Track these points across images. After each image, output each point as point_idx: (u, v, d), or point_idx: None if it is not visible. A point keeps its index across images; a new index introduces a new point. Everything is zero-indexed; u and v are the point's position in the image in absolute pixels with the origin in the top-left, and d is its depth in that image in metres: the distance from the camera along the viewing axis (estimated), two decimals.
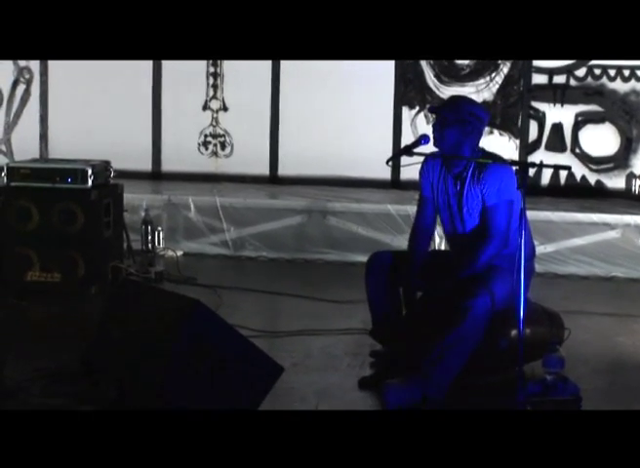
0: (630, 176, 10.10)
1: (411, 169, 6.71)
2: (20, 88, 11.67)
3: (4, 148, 11.68)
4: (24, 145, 11.52)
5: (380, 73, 10.72)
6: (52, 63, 11.48)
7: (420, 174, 6.39)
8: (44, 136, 11.66)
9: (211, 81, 11.19)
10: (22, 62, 11.53)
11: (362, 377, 6.26)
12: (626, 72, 10.12)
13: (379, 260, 6.43)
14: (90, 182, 8.41)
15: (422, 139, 6.19)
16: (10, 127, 11.71)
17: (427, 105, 10.53)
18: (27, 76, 11.62)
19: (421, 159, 6.33)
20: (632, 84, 10.16)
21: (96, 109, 11.29)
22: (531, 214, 5.99)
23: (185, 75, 11.21)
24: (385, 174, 10.00)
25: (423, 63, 10.69)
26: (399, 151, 6.87)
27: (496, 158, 6.22)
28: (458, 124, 6.04)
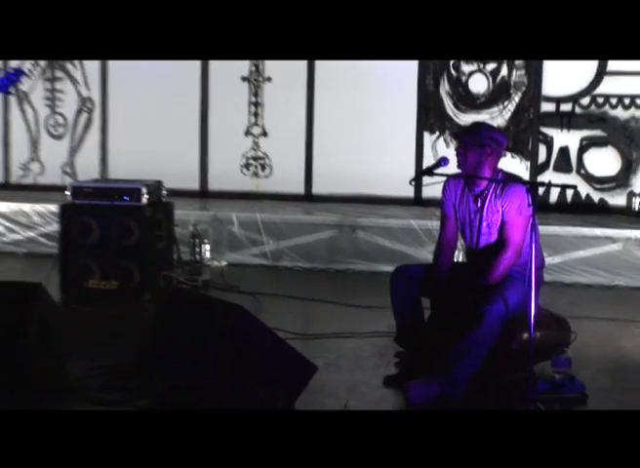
0: (631, 195, 10.03)
1: (432, 188, 6.58)
2: (83, 116, 11.71)
3: (69, 170, 11.69)
4: (87, 167, 11.51)
5: (404, 101, 10.71)
6: (111, 94, 11.53)
7: (443, 193, 6.32)
8: (104, 159, 11.69)
9: (252, 109, 11.16)
10: (85, 93, 11.57)
11: (387, 376, 6.24)
12: (627, 101, 10.06)
13: (403, 273, 6.38)
14: (144, 200, 8.44)
15: (442, 161, 6.16)
16: (74, 151, 11.74)
17: (446, 131, 10.53)
18: (89, 105, 11.65)
19: (441, 179, 6.26)
20: (632, 111, 10.08)
21: (150, 135, 11.28)
22: (540, 229, 5.93)
23: (230, 104, 11.24)
24: (409, 192, 9.93)
25: (443, 93, 10.65)
26: (421, 172, 6.89)
27: (514, 178, 6.20)
28: (478, 148, 6.03)
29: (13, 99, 11.62)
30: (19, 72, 7.29)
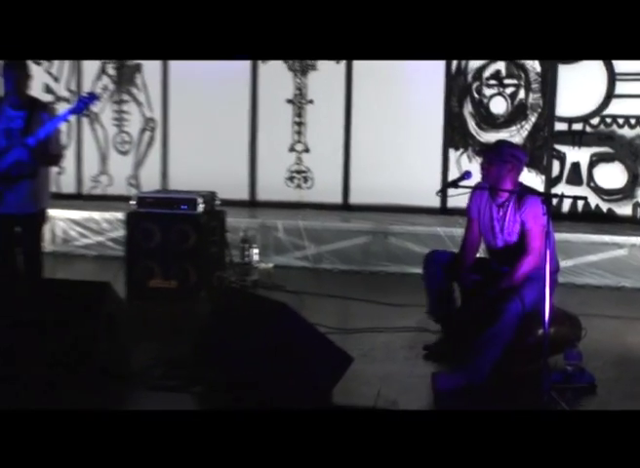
0: (636, 205, 9.98)
1: (456, 198, 6.73)
2: (147, 134, 11.76)
3: (134, 182, 11.73)
4: (149, 179, 11.58)
5: (432, 121, 10.67)
6: (171, 115, 11.59)
7: (470, 200, 6.38)
8: (165, 172, 11.71)
9: (296, 128, 11.15)
10: (148, 114, 11.63)
11: (426, 344, 6.57)
12: (633, 121, 9.97)
13: (435, 256, 6.58)
14: (200, 209, 8.46)
15: (465, 175, 6.25)
16: (138, 165, 11.80)
17: (469, 147, 10.51)
18: (152, 125, 11.71)
19: (464, 190, 6.31)
20: (638, 130, 10.01)
21: (205, 151, 11.31)
22: (554, 236, 5.86)
23: (276, 123, 11.24)
24: (435, 202, 9.91)
25: (466, 113, 10.61)
26: (446, 184, 7.08)
27: (532, 191, 6.26)
28: (500, 163, 6.08)
29: (85, 120, 11.70)
30: (91, 96, 7.35)
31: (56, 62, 11.81)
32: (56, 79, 11.85)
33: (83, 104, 7.31)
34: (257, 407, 5.42)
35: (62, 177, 11.69)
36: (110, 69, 11.69)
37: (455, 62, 10.51)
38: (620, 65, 9.91)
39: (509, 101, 10.45)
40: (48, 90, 11.66)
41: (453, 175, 10.03)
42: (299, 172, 11.19)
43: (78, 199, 11.62)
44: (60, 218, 10.46)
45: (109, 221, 10.45)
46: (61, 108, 10.31)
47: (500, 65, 10.41)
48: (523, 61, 10.28)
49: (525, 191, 6.11)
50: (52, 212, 8.29)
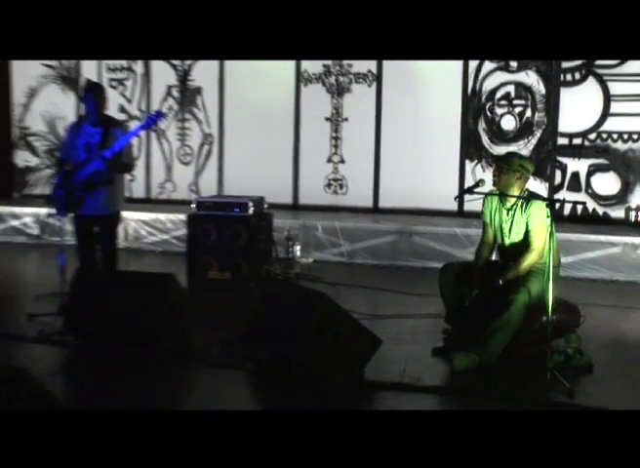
0: (628, 209, 9.86)
1: (471, 203, 6.66)
2: (205, 148, 11.77)
3: (194, 188, 11.76)
4: (208, 186, 11.62)
5: (450, 137, 10.63)
6: (227, 131, 11.64)
7: (483, 205, 6.35)
8: (220, 180, 11.74)
9: (333, 142, 11.16)
10: (207, 130, 11.69)
11: (435, 348, 6.27)
12: (625, 136, 9.90)
13: (448, 269, 6.40)
14: (251, 211, 8.50)
15: (479, 182, 6.19)
16: (198, 174, 11.83)
17: (483, 159, 10.46)
18: (210, 139, 11.75)
19: (478, 196, 6.26)
20: (629, 144, 9.92)
21: (255, 162, 11.31)
22: (556, 235, 5.82)
23: (316, 138, 11.24)
24: (453, 206, 9.75)
25: (480, 130, 10.57)
26: (463, 191, 6.86)
27: (536, 197, 6.21)
28: (510, 172, 6.03)
29: (153, 135, 11.74)
30: (159, 114, 7.38)
31: (129, 86, 11.92)
32: (129, 100, 11.94)
33: (152, 122, 7.35)
34: (300, 380, 5.51)
35: (134, 184, 11.77)
36: (175, 92, 11.78)
37: (470, 86, 10.51)
38: (615, 87, 9.88)
39: (518, 119, 10.41)
40: (122, 110, 11.78)
41: (468, 182, 10.01)
42: (335, 180, 11.20)
43: (147, 203, 11.69)
44: (132, 219, 10.53)
45: (173, 222, 10.52)
46: (133, 125, 10.49)
47: (510, 88, 10.38)
48: (530, 85, 10.27)
49: (530, 197, 6.08)
50: (125, 213, 8.35)
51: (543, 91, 10.28)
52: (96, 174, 6.97)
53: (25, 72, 12.29)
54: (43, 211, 9.85)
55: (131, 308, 6.20)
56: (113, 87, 11.78)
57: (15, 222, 11.32)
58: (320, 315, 5.62)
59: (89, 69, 11.98)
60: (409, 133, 10.72)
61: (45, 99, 12.35)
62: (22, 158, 12.58)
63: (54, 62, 12.18)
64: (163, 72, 11.78)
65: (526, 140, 10.37)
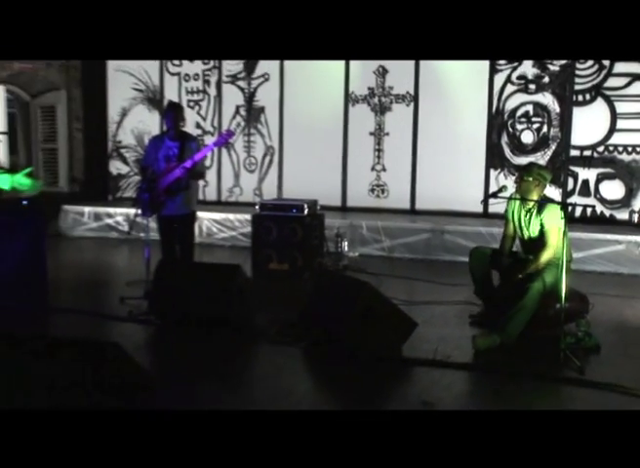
0: (631, 212, 9.77)
1: (494, 206, 6.87)
2: (267, 158, 11.79)
3: (258, 192, 11.80)
4: (269, 191, 11.67)
5: (477, 149, 10.56)
6: (285, 143, 11.64)
7: (507, 206, 6.33)
8: (280, 185, 11.76)
9: (376, 153, 11.13)
10: (269, 143, 11.73)
11: (470, 321, 6.50)
12: (629, 149, 9.78)
13: (478, 250, 6.47)
14: (305, 212, 8.49)
15: (502, 188, 6.27)
16: (261, 180, 11.87)
17: (505, 168, 10.39)
18: (271, 151, 11.77)
19: (501, 200, 6.30)
20: (633, 156, 9.79)
21: (309, 170, 11.34)
22: (569, 234, 5.72)
23: (361, 150, 11.20)
24: (479, 208, 9.79)
25: (503, 143, 10.47)
26: (488, 196, 6.94)
27: (551, 201, 6.19)
28: (529, 180, 6.00)
29: (224, 149, 11.80)
30: (230, 133, 7.42)
31: (204, 106, 12.00)
32: (204, 118, 12.01)
33: (224, 140, 7.41)
34: (348, 356, 5.51)
35: (207, 189, 11.85)
36: (242, 111, 11.82)
37: (494, 105, 10.43)
38: (621, 107, 9.76)
39: (535, 134, 10.30)
40: (198, 126, 11.86)
41: (492, 188, 9.96)
42: (378, 185, 11.16)
43: (218, 204, 11.73)
44: (205, 218, 10.61)
45: (240, 221, 10.56)
46: (208, 140, 10.59)
47: (529, 107, 10.27)
48: (546, 104, 10.18)
49: (546, 200, 6.07)
50: (199, 213, 8.44)
51: (558, 109, 10.17)
52: (177, 181, 7.03)
53: (118, 95, 12.46)
54: (132, 211, 9.89)
55: (204, 293, 6.25)
56: (191, 107, 11.86)
57: (109, 220, 11.47)
58: (364, 301, 5.62)
59: (170, 92, 12.08)
60: (441, 145, 10.66)
61: (134, 118, 12.48)
62: (115, 167, 12.72)
63: (142, 86, 12.29)
64: (232, 94, 11.84)
65: (542, 152, 10.27)
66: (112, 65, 12.43)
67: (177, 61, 12.08)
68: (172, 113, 7.23)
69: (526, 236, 6.15)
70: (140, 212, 7.28)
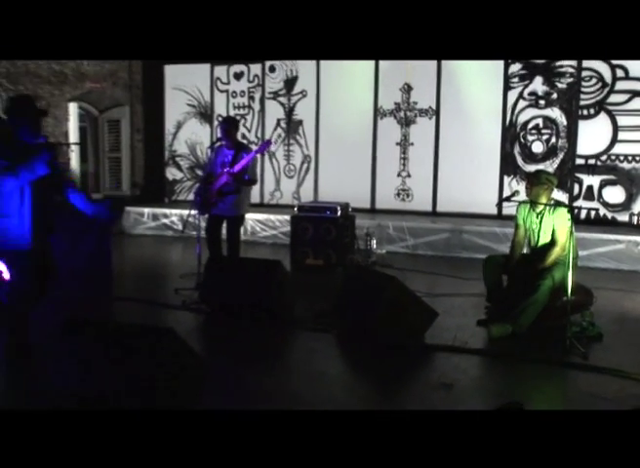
0: (631, 215, 9.66)
1: (508, 209, 6.75)
2: (305, 165, 11.79)
3: (296, 196, 11.77)
4: (306, 194, 11.66)
5: (492, 158, 10.47)
6: (321, 153, 11.62)
7: (517, 211, 6.26)
8: (316, 190, 11.73)
9: (402, 161, 11.08)
10: (306, 152, 11.72)
11: (479, 319, 6.19)
12: (630, 158, 9.67)
13: (490, 260, 6.33)
14: (338, 214, 8.48)
15: (515, 193, 6.18)
16: (299, 185, 11.84)
17: (517, 175, 10.30)
18: (308, 159, 11.75)
19: (514, 204, 6.24)
20: (633, 164, 9.67)
21: (342, 176, 11.31)
22: (575, 234, 5.68)
23: (388, 158, 11.14)
24: (494, 211, 9.71)
25: (515, 152, 10.37)
26: (502, 199, 6.88)
27: (559, 204, 6.12)
28: (539, 185, 5.96)
29: (266, 156, 11.82)
30: (268, 142, 7.46)
31: (249, 119, 12.03)
32: (249, 130, 12.05)
33: (264, 147, 7.46)
34: (374, 342, 5.51)
35: (251, 192, 11.85)
36: (282, 123, 11.84)
37: (508, 119, 10.35)
38: (622, 120, 9.66)
39: (545, 144, 10.20)
40: (243, 137, 11.87)
41: (506, 192, 9.99)
42: (403, 190, 11.10)
43: (261, 206, 11.71)
44: (249, 219, 10.59)
45: (280, 221, 10.58)
46: (252, 148, 10.53)
47: (539, 121, 10.17)
48: (554, 118, 10.08)
49: (555, 204, 6.01)
50: (246, 215, 8.46)
51: (565, 122, 10.07)
52: (226, 184, 7.07)
53: (174, 110, 12.56)
54: (185, 212, 10.00)
55: (248, 285, 6.28)
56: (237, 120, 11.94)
57: (165, 220, 11.56)
58: (391, 293, 5.61)
59: (220, 107, 12.15)
60: (460, 154, 10.58)
61: (188, 130, 12.56)
62: (171, 173, 12.81)
63: (195, 102, 12.38)
64: (274, 109, 11.87)
65: (551, 161, 10.17)
66: (169, 84, 12.55)
67: (225, 80, 12.14)
68: (227, 125, 7.31)
69: (536, 238, 6.07)
70: (193, 212, 7.39)
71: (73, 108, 12.26)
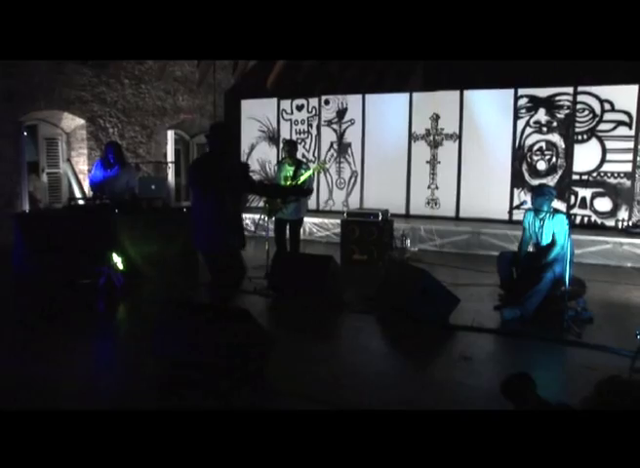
0: (616, 221, 9.51)
1: (517, 215, 6.89)
2: (352, 179, 11.77)
3: (345, 204, 11.70)
4: (354, 202, 11.62)
5: (503, 174, 10.33)
6: (366, 169, 11.53)
7: (524, 217, 6.20)
8: (362, 199, 11.66)
9: (431, 177, 11.01)
10: (354, 168, 11.66)
11: (495, 305, 6.17)
12: (615, 174, 9.53)
13: (503, 255, 6.29)
14: (380, 218, 8.44)
15: (523, 202, 6.11)
16: (348, 195, 11.81)
17: (525, 187, 10.15)
18: (355, 174, 11.74)
19: (521, 211, 6.21)
20: (619, 180, 9.52)
21: (383, 188, 11.27)
22: (572, 236, 5.63)
23: (420, 174, 11.07)
24: (505, 216, 9.70)
25: (523, 169, 10.24)
26: (512, 208, 6.76)
27: (559, 211, 6.09)
28: (542, 196, 5.91)
29: (322, 173, 11.83)
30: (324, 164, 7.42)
31: (307, 142, 12.12)
32: (307, 151, 12.15)
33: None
34: (409, 322, 5.53)
35: (309, 201, 11.77)
36: (335, 145, 11.88)
37: (517, 142, 10.24)
38: (609, 144, 9.53)
39: (547, 163, 10.06)
40: (303, 156, 11.96)
41: (515, 202, 9.90)
42: (432, 199, 11.03)
43: (317, 212, 11.73)
44: (308, 222, 10.68)
45: (333, 224, 10.58)
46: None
47: (542, 144, 10.05)
48: (555, 141, 9.96)
49: (555, 211, 5.97)
50: (305, 218, 8.54)
51: (563, 145, 9.93)
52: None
53: (248, 135, 12.73)
54: (257, 216, 10.15)
55: (307, 276, 6.34)
56: (298, 143, 11.99)
57: None
58: (422, 283, 5.63)
59: (284, 132, 12.27)
60: (478, 171, 10.49)
61: (259, 150, 12.71)
62: None
63: (264, 128, 12.52)
64: (328, 134, 11.92)
65: (552, 176, 10.03)
66: (245, 114, 12.71)
67: (289, 111, 12.24)
68: (289, 147, 7.40)
69: (539, 240, 6.04)
70: (264, 216, 7.47)
71: (170, 134, 12.58)
